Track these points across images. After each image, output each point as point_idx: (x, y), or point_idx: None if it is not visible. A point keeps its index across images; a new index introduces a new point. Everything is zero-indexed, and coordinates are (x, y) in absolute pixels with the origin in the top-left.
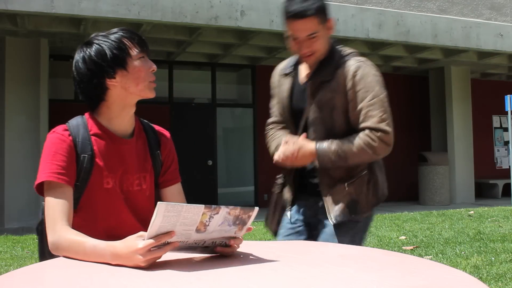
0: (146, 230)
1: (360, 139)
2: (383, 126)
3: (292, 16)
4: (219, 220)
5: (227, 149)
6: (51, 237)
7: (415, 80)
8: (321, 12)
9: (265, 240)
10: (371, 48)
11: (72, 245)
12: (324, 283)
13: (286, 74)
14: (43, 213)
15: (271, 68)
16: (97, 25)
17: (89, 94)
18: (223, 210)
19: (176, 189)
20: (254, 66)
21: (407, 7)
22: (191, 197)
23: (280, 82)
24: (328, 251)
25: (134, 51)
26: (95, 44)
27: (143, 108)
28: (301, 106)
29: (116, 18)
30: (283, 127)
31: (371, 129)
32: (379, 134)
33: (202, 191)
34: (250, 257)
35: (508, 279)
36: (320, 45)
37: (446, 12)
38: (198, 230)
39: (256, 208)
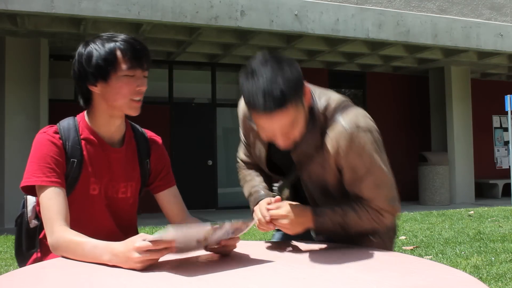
0: (126, 238)
1: (369, 213)
2: (392, 204)
3: (264, 113)
4: (220, 232)
5: (227, 149)
6: (50, 239)
7: (415, 80)
8: (299, 90)
9: (265, 240)
10: (371, 48)
11: (71, 246)
12: (324, 283)
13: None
14: (24, 207)
15: None
16: (97, 25)
17: (79, 93)
18: (227, 225)
19: (171, 193)
20: None
21: (407, 7)
22: (191, 197)
23: (248, 131)
24: (328, 251)
25: (123, 66)
26: (89, 47)
27: (143, 108)
28: (283, 163)
29: (116, 18)
30: (258, 167)
31: (377, 210)
32: (389, 209)
33: (202, 191)
34: (250, 257)
35: (508, 279)
36: (301, 128)
37: (446, 12)
38: (198, 242)
39: (255, 220)
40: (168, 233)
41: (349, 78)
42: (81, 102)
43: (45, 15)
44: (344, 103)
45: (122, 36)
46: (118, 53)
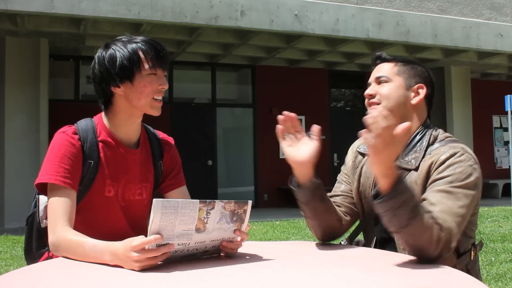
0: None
1: (433, 219)
2: (451, 218)
3: (376, 60)
4: (216, 216)
5: (227, 149)
6: (51, 238)
7: None
8: (413, 71)
9: (265, 240)
10: (371, 48)
11: (72, 245)
12: (324, 283)
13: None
14: (35, 206)
15: (271, 68)
16: (97, 25)
17: (99, 95)
18: (218, 204)
19: (180, 192)
20: (254, 66)
21: (407, 7)
22: (191, 197)
23: (357, 163)
24: (328, 251)
25: (145, 66)
26: (111, 48)
27: None
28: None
29: (116, 18)
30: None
31: (438, 216)
32: (446, 225)
33: (202, 191)
34: (250, 257)
35: (508, 279)
36: (390, 93)
37: (446, 12)
38: (198, 230)
39: (250, 202)
40: (156, 204)
41: (349, 78)
42: (101, 104)
43: (45, 15)
44: (457, 139)
45: (141, 38)
46: (141, 53)
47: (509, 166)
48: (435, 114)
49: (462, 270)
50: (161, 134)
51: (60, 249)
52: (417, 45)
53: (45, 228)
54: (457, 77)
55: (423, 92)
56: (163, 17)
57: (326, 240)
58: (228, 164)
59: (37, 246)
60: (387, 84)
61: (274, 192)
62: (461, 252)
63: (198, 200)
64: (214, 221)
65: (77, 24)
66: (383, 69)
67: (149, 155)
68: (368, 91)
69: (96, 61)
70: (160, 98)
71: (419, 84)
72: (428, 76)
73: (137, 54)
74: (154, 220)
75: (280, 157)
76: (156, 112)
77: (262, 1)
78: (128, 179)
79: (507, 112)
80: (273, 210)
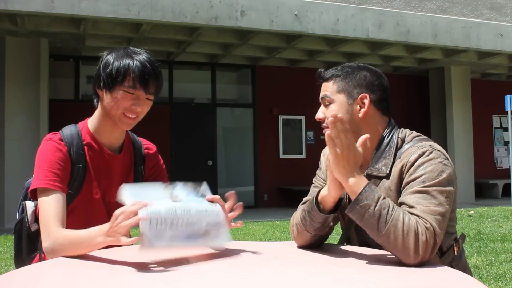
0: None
1: (411, 220)
2: (431, 218)
3: (319, 79)
4: (183, 191)
5: (227, 149)
6: (45, 243)
7: (415, 80)
8: (352, 83)
9: (265, 240)
10: (371, 48)
11: (67, 239)
12: (324, 283)
13: None
14: (22, 213)
15: (271, 68)
16: (97, 25)
17: (93, 93)
18: (178, 183)
19: None
20: (254, 66)
21: (407, 7)
22: None
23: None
24: (327, 251)
25: (127, 83)
26: (111, 55)
27: None
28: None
29: (116, 18)
30: None
31: (419, 217)
32: (428, 225)
33: None
34: (250, 257)
35: (508, 279)
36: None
37: (446, 12)
38: (173, 201)
39: (204, 182)
40: (124, 194)
41: None
42: (94, 101)
43: (45, 15)
44: (424, 137)
45: (141, 56)
46: (130, 69)
47: (509, 166)
48: (435, 114)
49: None
50: (144, 142)
51: (56, 249)
52: (417, 45)
53: (35, 232)
54: (457, 77)
55: (367, 101)
56: (163, 17)
57: (306, 247)
58: (228, 164)
59: (28, 250)
60: (331, 105)
61: (274, 192)
62: (444, 250)
63: (159, 182)
64: (183, 194)
65: (77, 24)
66: (325, 88)
67: (132, 160)
68: (317, 115)
69: (100, 61)
70: (132, 116)
71: (361, 95)
72: (370, 80)
73: (126, 69)
74: (126, 202)
75: (280, 157)
76: (124, 127)
77: (262, 1)
78: (109, 183)
79: (507, 112)
80: (273, 210)
